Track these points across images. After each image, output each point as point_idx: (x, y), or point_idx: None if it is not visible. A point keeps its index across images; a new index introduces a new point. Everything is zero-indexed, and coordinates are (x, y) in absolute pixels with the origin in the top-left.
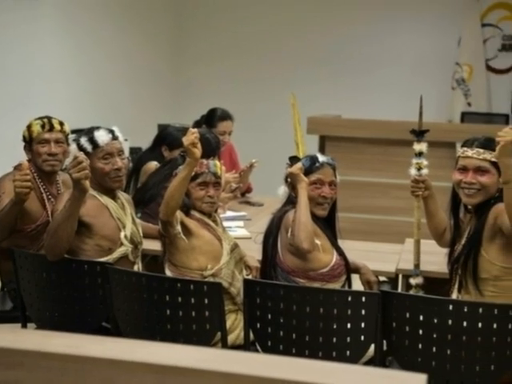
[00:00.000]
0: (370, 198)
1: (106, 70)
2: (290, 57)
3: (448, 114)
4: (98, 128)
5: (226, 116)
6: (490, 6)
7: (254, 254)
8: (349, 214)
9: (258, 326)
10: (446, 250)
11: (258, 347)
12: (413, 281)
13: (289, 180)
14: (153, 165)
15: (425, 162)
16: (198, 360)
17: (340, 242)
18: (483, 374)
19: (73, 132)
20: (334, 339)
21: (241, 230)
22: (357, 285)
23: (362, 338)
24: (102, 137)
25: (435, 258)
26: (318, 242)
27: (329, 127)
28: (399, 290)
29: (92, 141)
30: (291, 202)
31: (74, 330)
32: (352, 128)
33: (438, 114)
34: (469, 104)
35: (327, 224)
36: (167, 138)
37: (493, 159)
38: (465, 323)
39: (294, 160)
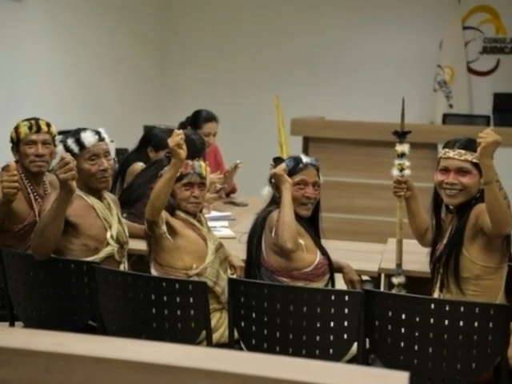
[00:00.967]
0: (352, 198)
1: (93, 72)
2: (274, 59)
3: (430, 116)
4: (84, 129)
5: (211, 117)
6: (471, 9)
7: (238, 253)
8: (332, 214)
9: (243, 324)
10: (427, 250)
11: (243, 345)
12: (395, 280)
13: (273, 181)
14: (139, 166)
15: (407, 163)
16: (183, 358)
17: (323, 242)
18: (464, 371)
19: (60, 133)
20: (318, 337)
21: (225, 230)
22: (340, 284)
23: (345, 336)
24: (88, 138)
25: (417, 258)
26: (301, 241)
27: (312, 129)
28: (382, 289)
29: (79, 142)
30: (275, 202)
31: (60, 328)
32: (335, 129)
33: (420, 116)
34: (450, 106)
35: (311, 224)
36: (153, 139)
37: (474, 160)
38: (446, 322)
39: (277, 161)
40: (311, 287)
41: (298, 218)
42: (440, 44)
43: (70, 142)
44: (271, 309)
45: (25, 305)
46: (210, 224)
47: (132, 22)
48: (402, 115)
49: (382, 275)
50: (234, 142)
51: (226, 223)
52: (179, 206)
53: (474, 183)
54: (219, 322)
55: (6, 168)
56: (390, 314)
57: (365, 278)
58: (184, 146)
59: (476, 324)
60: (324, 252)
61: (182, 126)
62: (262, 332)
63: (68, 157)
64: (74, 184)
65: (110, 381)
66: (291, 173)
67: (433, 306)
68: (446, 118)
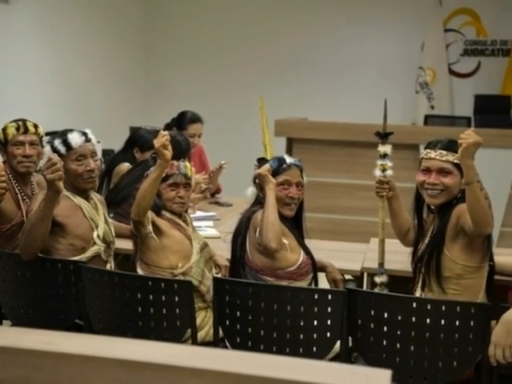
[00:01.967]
0: (335, 198)
1: (80, 73)
2: (258, 61)
3: (412, 117)
4: (71, 130)
5: (196, 119)
6: (452, 12)
7: (223, 253)
8: (315, 214)
9: (227, 323)
10: (409, 249)
11: (227, 344)
12: (377, 279)
13: (257, 181)
14: (125, 166)
15: (389, 164)
16: (169, 356)
17: (307, 242)
18: (446, 369)
19: (47, 134)
20: (301, 336)
21: (210, 230)
22: (323, 283)
23: (328, 334)
24: (75, 139)
25: (399, 257)
26: (285, 241)
27: (296, 130)
28: (364, 288)
29: (66, 143)
30: (259, 202)
31: (47, 327)
32: (318, 130)
33: (402, 117)
34: (432, 107)
35: (294, 224)
36: (139, 140)
37: (455, 161)
38: (428, 320)
39: (261, 161)
40: (295, 286)
41: (282, 217)
42: (422, 46)
43: (57, 142)
44: (255, 307)
45: (12, 304)
46: (195, 224)
47: (117, 23)
48: (385, 116)
49: (365, 274)
50: (219, 143)
51: (210, 223)
52: (165, 206)
53: (456, 183)
54: (204, 320)
55: None
56: (372, 312)
57: (348, 277)
58: (169, 147)
59: (457, 323)
60: (307, 251)
61: (168, 127)
62: (247, 330)
63: (55, 157)
64: (60, 184)
65: (98, 379)
66: (275, 173)
67: (415, 304)
68: (428, 119)
